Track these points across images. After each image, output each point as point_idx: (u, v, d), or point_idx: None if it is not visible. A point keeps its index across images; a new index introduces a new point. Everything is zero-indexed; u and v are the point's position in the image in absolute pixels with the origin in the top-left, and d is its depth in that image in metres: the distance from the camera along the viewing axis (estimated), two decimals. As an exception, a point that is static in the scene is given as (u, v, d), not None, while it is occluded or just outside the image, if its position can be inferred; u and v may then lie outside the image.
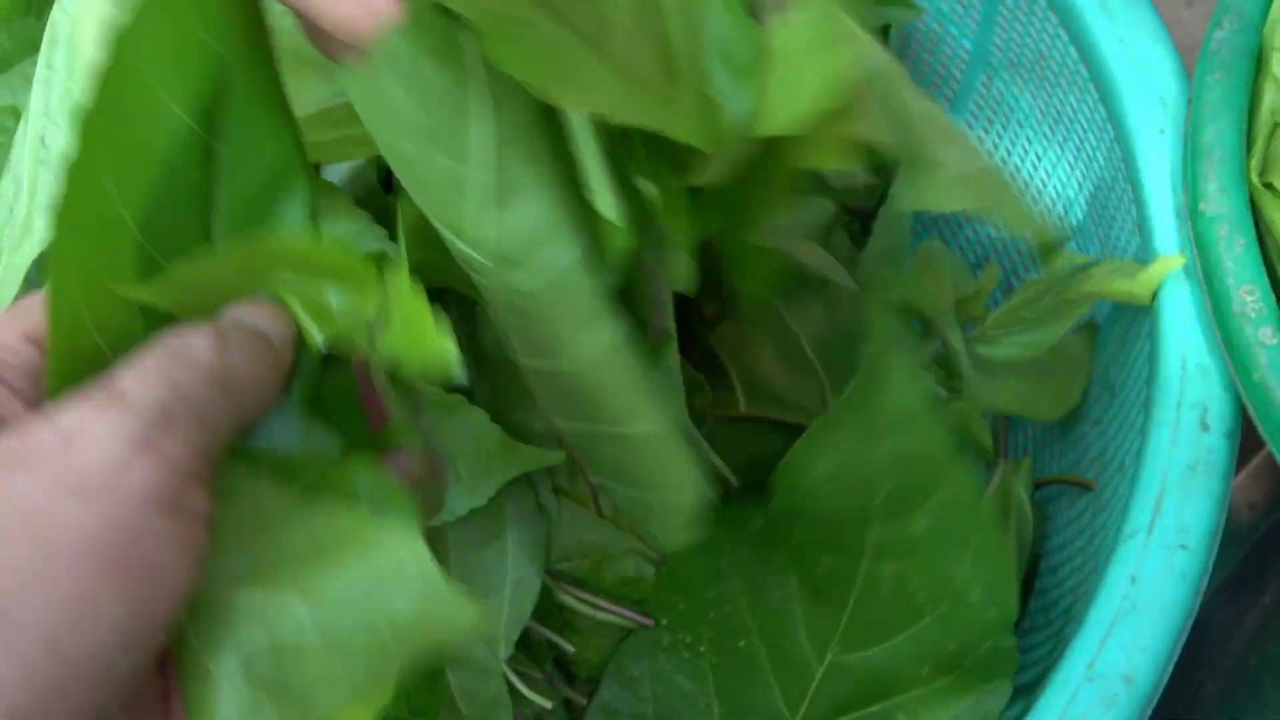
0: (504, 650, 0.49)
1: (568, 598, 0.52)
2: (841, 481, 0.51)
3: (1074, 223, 0.62)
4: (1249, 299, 0.48)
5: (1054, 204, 0.64)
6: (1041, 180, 0.64)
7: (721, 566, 0.53)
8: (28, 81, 0.52)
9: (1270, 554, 0.63)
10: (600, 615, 0.53)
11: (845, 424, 0.50)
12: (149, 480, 0.30)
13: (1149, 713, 0.46)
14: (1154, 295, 0.52)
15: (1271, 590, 0.63)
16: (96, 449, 0.29)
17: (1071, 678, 0.46)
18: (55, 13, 0.49)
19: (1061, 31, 0.59)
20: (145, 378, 0.31)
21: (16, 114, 0.55)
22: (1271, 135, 0.53)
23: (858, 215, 0.66)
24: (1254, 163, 0.51)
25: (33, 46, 0.52)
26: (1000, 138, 0.67)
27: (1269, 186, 0.52)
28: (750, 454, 0.56)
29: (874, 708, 0.52)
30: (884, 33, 0.65)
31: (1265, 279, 0.49)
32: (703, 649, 0.53)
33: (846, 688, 0.52)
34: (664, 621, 0.53)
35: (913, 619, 0.52)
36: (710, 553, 0.53)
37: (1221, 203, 0.50)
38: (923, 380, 0.53)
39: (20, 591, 0.27)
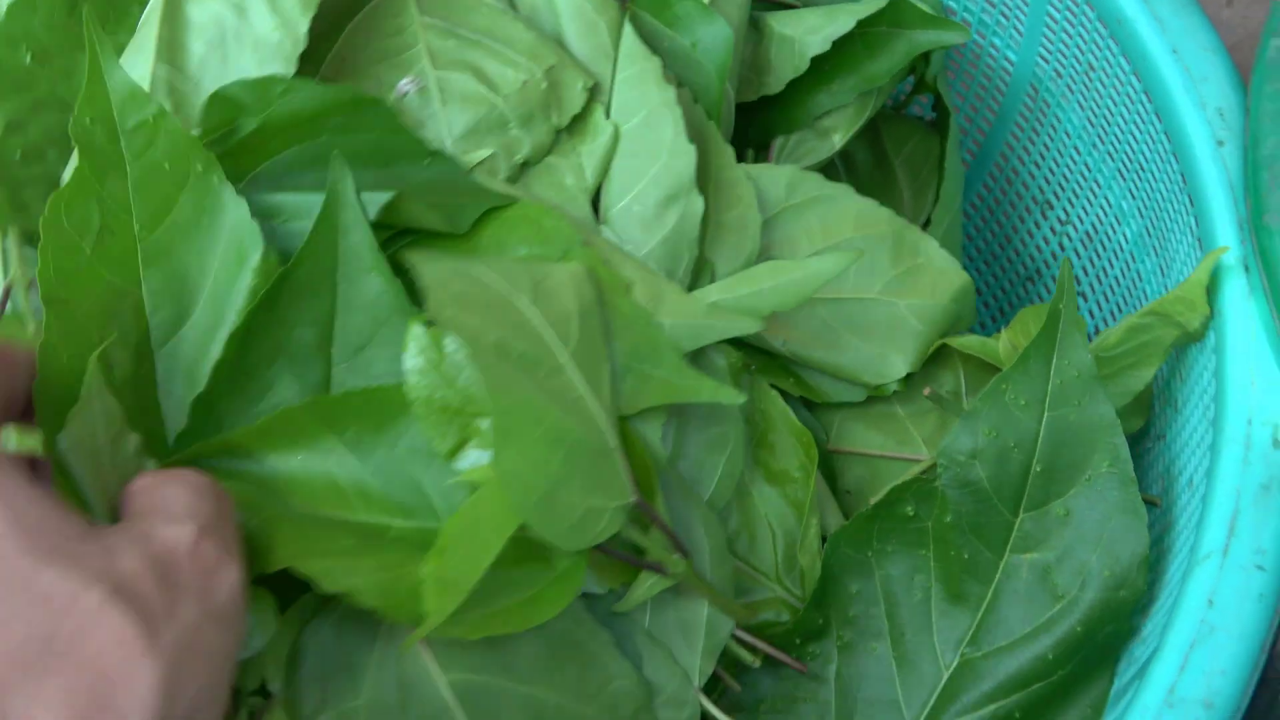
0: (698, 680, 0.49)
1: (734, 643, 0.52)
2: (1003, 447, 0.52)
3: (1128, 234, 0.61)
4: (1319, 312, 0.48)
5: (1105, 216, 0.63)
6: (1091, 192, 0.64)
7: (870, 559, 0.53)
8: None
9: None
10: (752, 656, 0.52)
11: (1015, 387, 0.52)
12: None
13: (1230, 738, 0.46)
14: (1215, 308, 0.51)
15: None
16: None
17: (1151, 704, 0.45)
18: None
19: (1111, 43, 0.58)
20: None
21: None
22: (1332, 143, 0.52)
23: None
24: (1316, 172, 0.51)
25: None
26: (1047, 150, 0.66)
27: (1332, 196, 0.51)
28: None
29: (995, 706, 0.52)
30: (926, 58, 0.64)
31: (1333, 291, 0.48)
32: (830, 654, 0.53)
33: (972, 687, 0.52)
34: (797, 640, 0.53)
35: (1047, 608, 0.52)
36: (863, 542, 0.53)
37: (1286, 214, 0.49)
38: (1090, 356, 0.53)
39: None
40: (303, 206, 0.50)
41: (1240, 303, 0.51)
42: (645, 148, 0.51)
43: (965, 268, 0.71)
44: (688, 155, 0.50)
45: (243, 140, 0.49)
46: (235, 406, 0.47)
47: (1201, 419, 0.52)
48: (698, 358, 0.50)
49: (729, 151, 0.53)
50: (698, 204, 0.51)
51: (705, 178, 0.53)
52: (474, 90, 0.53)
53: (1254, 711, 0.60)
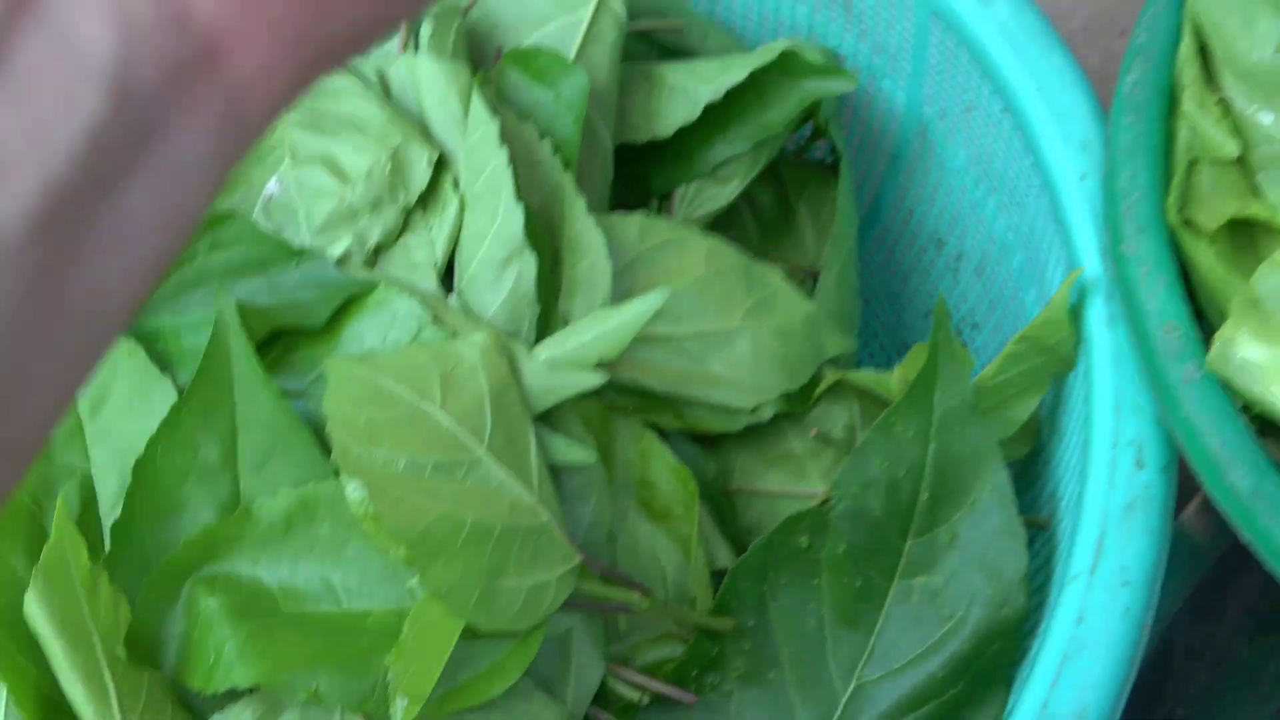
0: None
1: (618, 682, 0.53)
2: (894, 477, 0.55)
3: (1013, 267, 0.64)
4: (1171, 336, 0.50)
5: (993, 249, 0.65)
6: (979, 227, 0.66)
7: (764, 592, 0.54)
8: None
9: (1227, 578, 0.64)
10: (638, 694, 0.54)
11: (903, 419, 0.55)
12: None
13: (1104, 749, 0.47)
14: (1083, 336, 0.53)
15: (1231, 615, 0.64)
16: None
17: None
18: None
19: (985, 83, 0.60)
20: None
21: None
22: (1189, 173, 0.54)
23: (806, 273, 0.68)
24: (1172, 201, 0.53)
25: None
26: (938, 188, 0.68)
27: (1189, 224, 0.53)
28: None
29: None
30: (816, 106, 0.67)
31: (1188, 315, 0.50)
32: (729, 687, 0.54)
33: (868, 709, 0.54)
34: (693, 672, 0.54)
35: (936, 629, 0.54)
36: (757, 575, 0.55)
37: (1140, 243, 0.52)
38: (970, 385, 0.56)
39: None
40: (194, 326, 0.53)
41: (1103, 330, 0.53)
42: (486, 211, 0.54)
43: (865, 306, 0.74)
44: (517, 215, 0.53)
45: None
46: (153, 528, 0.51)
47: (1077, 443, 0.54)
48: (552, 413, 0.52)
49: (580, 203, 0.56)
50: (530, 262, 0.53)
51: (557, 231, 0.55)
52: (327, 184, 0.56)
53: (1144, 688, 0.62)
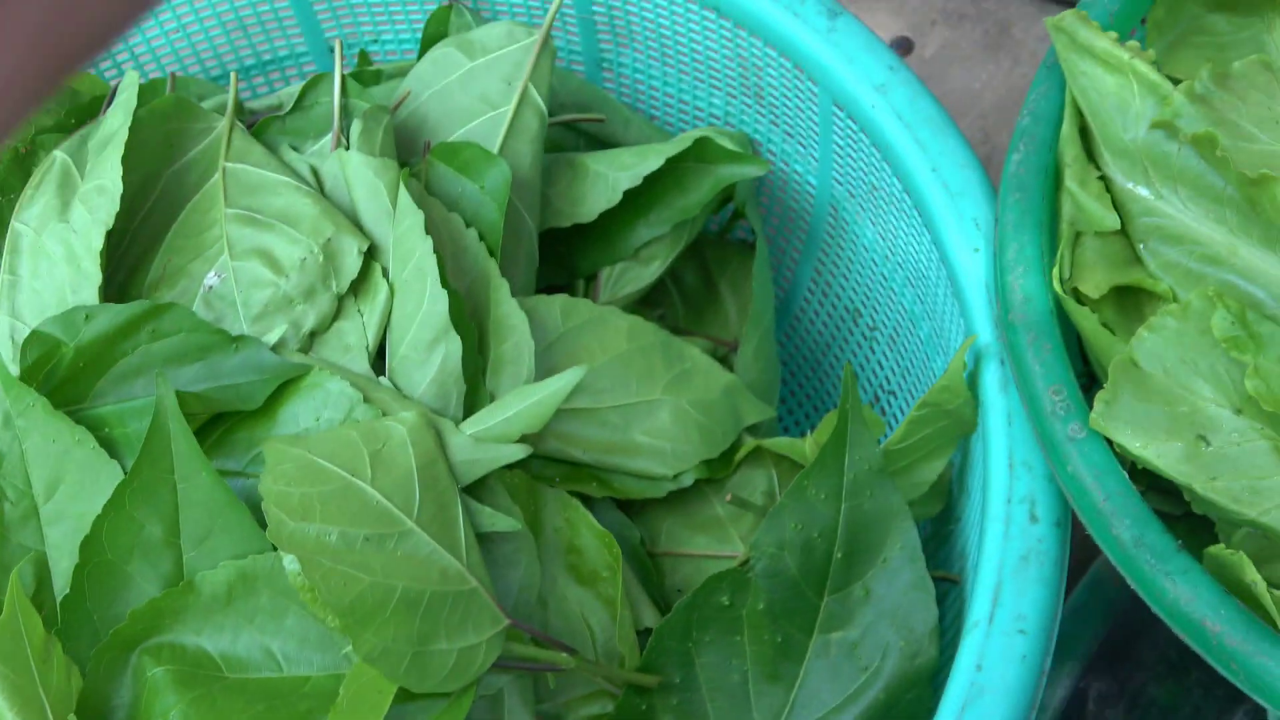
0: None
1: None
2: (808, 537, 0.58)
3: (922, 336, 0.67)
4: (1057, 398, 0.53)
5: (903, 320, 0.69)
6: (890, 300, 0.70)
7: (689, 649, 0.57)
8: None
9: (1139, 626, 0.67)
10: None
11: (815, 483, 0.58)
12: None
13: (1006, 790, 0.50)
14: (979, 399, 0.57)
15: (1142, 657, 0.67)
16: None
17: (929, 764, 0.50)
18: (15, 225, 0.62)
19: (885, 165, 0.64)
20: None
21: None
22: (1074, 245, 0.58)
23: (729, 346, 0.71)
24: (1057, 271, 0.56)
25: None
26: (851, 263, 0.72)
27: (1074, 291, 0.57)
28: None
29: None
30: (733, 188, 0.70)
31: (1072, 379, 0.54)
32: None
33: None
34: None
35: (853, 680, 0.57)
36: (682, 633, 0.57)
37: (1027, 311, 0.55)
38: (878, 448, 0.59)
39: None
40: (136, 412, 0.57)
41: (997, 394, 0.56)
42: (413, 296, 0.57)
43: (789, 376, 0.77)
44: (442, 299, 0.56)
45: (68, 368, 0.57)
46: (102, 602, 0.54)
47: (978, 501, 0.58)
48: (480, 485, 0.55)
49: (504, 287, 0.59)
50: (456, 343, 0.56)
51: (484, 313, 0.58)
52: (262, 275, 0.60)
53: None
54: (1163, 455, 0.52)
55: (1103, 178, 0.58)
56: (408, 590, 0.50)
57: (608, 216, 0.68)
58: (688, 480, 0.61)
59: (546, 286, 0.67)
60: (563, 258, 0.69)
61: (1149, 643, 0.69)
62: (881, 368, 0.72)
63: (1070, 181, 0.58)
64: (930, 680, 0.57)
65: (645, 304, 0.72)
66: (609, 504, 0.62)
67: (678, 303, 0.75)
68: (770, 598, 0.58)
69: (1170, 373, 0.53)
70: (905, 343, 0.69)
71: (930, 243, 0.62)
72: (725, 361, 0.70)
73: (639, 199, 0.68)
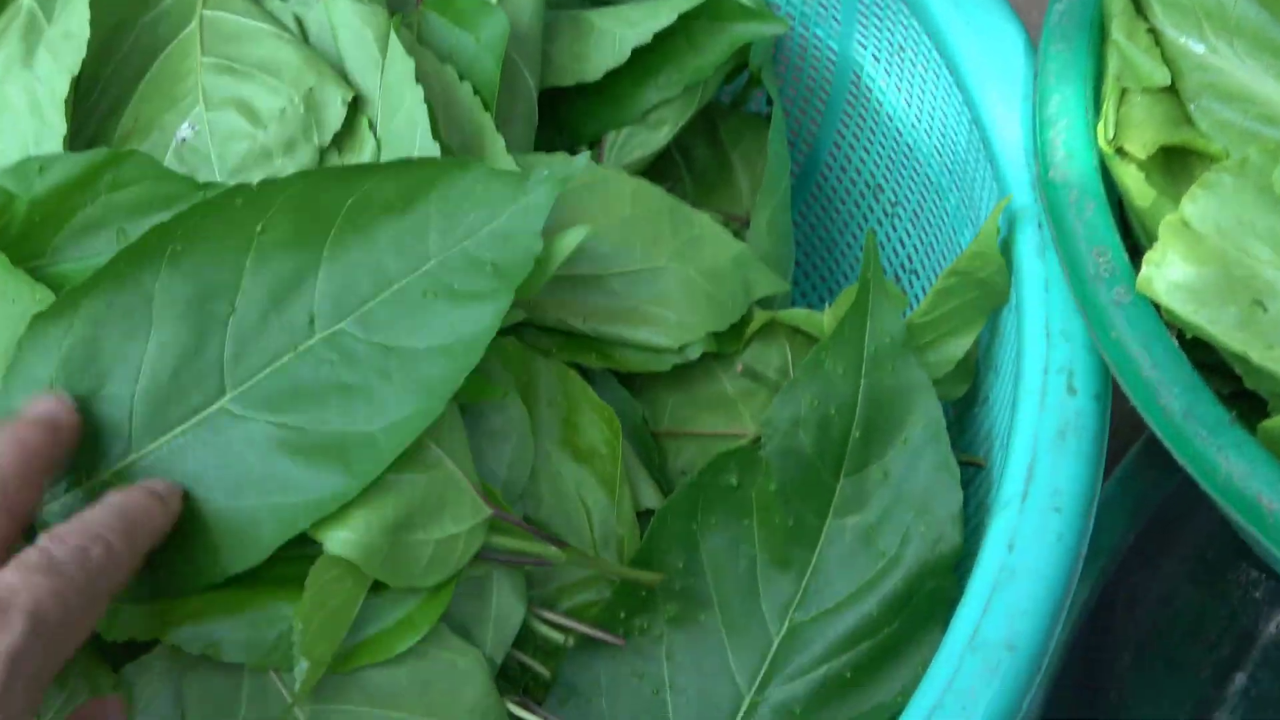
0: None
1: (541, 625, 0.52)
2: (824, 414, 0.54)
3: (948, 209, 0.63)
4: (1101, 260, 0.49)
5: (928, 193, 0.64)
6: (914, 171, 0.65)
7: (694, 532, 0.53)
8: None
9: (1172, 521, 0.63)
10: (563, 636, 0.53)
11: (833, 356, 0.54)
12: None
13: (1038, 679, 0.46)
14: (1013, 267, 0.52)
15: (1176, 556, 0.63)
16: None
17: (955, 648, 0.46)
18: None
19: (914, 21, 0.59)
20: None
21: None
22: (1120, 100, 0.53)
23: (741, 222, 0.67)
24: (1103, 128, 0.52)
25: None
26: (874, 134, 0.67)
27: (1120, 151, 0.52)
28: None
29: (826, 667, 0.52)
30: (748, 52, 0.66)
31: (1117, 240, 0.49)
32: (659, 630, 0.53)
33: (803, 650, 0.53)
34: (621, 614, 0.53)
35: (870, 568, 0.53)
36: (687, 514, 0.53)
37: (1069, 169, 0.51)
38: (901, 320, 0.55)
39: None
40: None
41: (1033, 259, 0.52)
42: (402, 149, 0.53)
43: (804, 256, 0.73)
44: (434, 152, 0.52)
45: (22, 223, 0.52)
46: None
47: (1009, 376, 0.53)
48: None
49: (499, 143, 0.55)
50: None
51: None
52: (239, 126, 0.55)
53: (1099, 664, 0.61)
54: (1216, 322, 0.47)
55: (1152, 30, 0.53)
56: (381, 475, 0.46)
57: (613, 76, 0.63)
58: (694, 353, 0.57)
59: (544, 149, 0.62)
60: (564, 120, 0.64)
61: (1183, 541, 0.65)
62: (904, 245, 0.68)
63: (1117, 33, 0.53)
64: (953, 568, 0.53)
65: (653, 176, 0.66)
66: (609, 378, 0.57)
67: (687, 177, 0.70)
68: (782, 478, 0.54)
69: (1225, 234, 0.48)
70: (930, 217, 0.65)
71: (962, 103, 0.57)
72: (738, 237, 0.66)
73: (648, 58, 0.63)
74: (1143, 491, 0.63)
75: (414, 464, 0.47)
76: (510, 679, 0.53)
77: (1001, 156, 0.54)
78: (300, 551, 0.46)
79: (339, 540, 0.45)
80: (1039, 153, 0.52)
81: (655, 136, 0.65)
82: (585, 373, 0.56)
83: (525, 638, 0.51)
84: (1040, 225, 0.52)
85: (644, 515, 0.55)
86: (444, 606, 0.48)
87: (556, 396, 0.54)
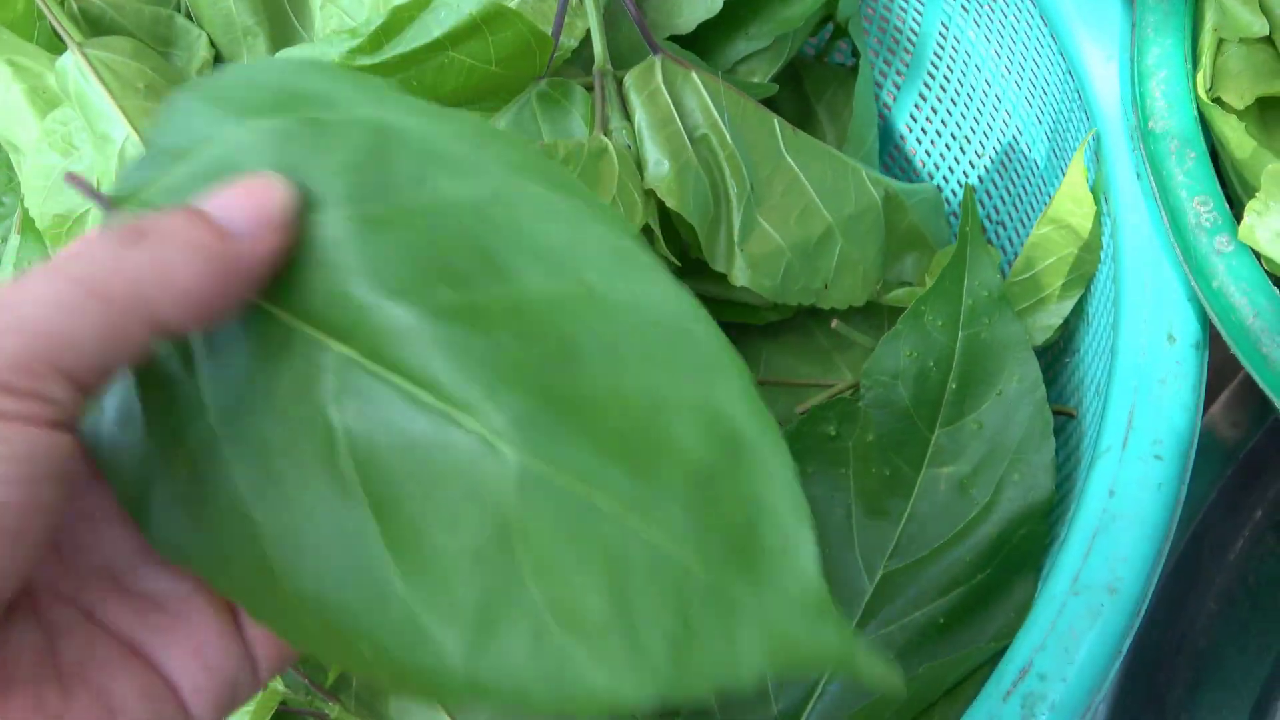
0: None
1: None
2: (923, 366, 0.55)
3: (1039, 160, 0.63)
4: (1203, 210, 0.49)
5: (1017, 143, 0.64)
6: (1004, 122, 0.65)
7: None
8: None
9: (1258, 469, 0.63)
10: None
11: (932, 309, 0.55)
12: None
13: (1137, 622, 0.47)
14: (1111, 216, 0.53)
15: (1263, 506, 0.64)
16: None
17: (1058, 592, 0.47)
18: None
19: (1007, -30, 0.59)
20: None
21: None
22: (1217, 51, 0.53)
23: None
24: (1201, 78, 0.52)
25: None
26: (961, 84, 0.68)
27: (1218, 101, 0.52)
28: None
29: (919, 613, 0.53)
30: (835, 3, 0.66)
31: (1218, 190, 0.50)
32: None
33: (897, 596, 0.54)
34: None
35: (963, 516, 0.54)
36: None
37: (1170, 119, 0.51)
38: (998, 275, 0.56)
39: None
40: None
41: (1133, 210, 0.52)
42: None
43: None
44: None
45: None
46: None
47: (1105, 325, 0.54)
48: None
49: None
50: None
51: None
52: None
53: (1184, 612, 0.62)
54: (1321, 272, 0.48)
55: (1250, -20, 0.54)
56: None
57: (706, 28, 0.63)
58: (788, 309, 0.58)
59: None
60: (656, 73, 0.65)
61: (1264, 496, 0.65)
62: (990, 197, 0.68)
63: (1216, -16, 0.54)
64: (1045, 516, 0.54)
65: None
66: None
67: (772, 129, 0.70)
68: (880, 430, 0.55)
69: (1328, 183, 0.49)
70: (1018, 168, 0.65)
71: (1055, 53, 0.58)
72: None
73: (738, 10, 0.63)
74: (1230, 440, 0.63)
75: None
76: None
77: (1098, 106, 0.55)
78: None
79: None
80: (1139, 103, 0.52)
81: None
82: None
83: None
84: (1139, 175, 0.52)
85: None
86: None
87: None
